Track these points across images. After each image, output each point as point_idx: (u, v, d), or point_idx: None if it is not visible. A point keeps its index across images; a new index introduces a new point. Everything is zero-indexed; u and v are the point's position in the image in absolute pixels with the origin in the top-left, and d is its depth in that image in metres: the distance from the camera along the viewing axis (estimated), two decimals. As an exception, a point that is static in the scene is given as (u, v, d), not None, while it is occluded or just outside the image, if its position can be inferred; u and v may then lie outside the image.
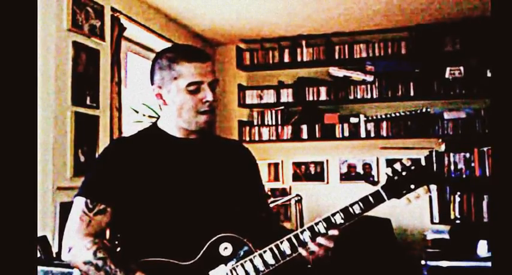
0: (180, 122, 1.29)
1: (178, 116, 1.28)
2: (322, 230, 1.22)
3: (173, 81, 1.25)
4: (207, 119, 1.28)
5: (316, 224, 1.22)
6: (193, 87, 1.24)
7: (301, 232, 1.22)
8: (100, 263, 1.16)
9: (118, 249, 1.33)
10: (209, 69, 1.27)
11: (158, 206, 1.24)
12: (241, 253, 1.23)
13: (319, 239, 1.21)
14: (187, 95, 1.25)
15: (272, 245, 1.22)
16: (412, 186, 1.27)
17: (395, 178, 1.27)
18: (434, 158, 3.61)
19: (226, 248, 1.22)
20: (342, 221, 1.23)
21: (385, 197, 1.25)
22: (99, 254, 1.17)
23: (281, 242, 1.22)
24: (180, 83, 1.24)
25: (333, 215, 1.23)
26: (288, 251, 1.21)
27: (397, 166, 1.28)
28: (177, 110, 1.27)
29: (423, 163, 1.17)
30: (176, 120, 1.29)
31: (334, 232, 1.22)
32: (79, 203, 1.23)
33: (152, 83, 1.31)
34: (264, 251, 1.21)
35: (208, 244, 1.22)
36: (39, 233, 2.11)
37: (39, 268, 1.93)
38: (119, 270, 1.15)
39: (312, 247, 1.22)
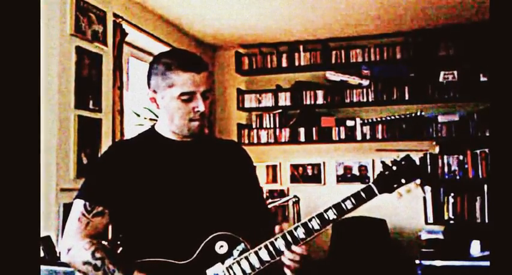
0: (172, 127, 1.31)
1: (170, 122, 1.30)
2: (316, 227, 1.23)
3: (167, 88, 1.26)
4: (198, 126, 1.29)
5: (310, 220, 1.23)
6: (186, 97, 1.25)
7: (295, 229, 1.23)
8: (98, 263, 1.18)
9: (120, 249, 1.35)
10: (204, 79, 1.26)
11: (155, 207, 1.26)
12: (237, 251, 1.23)
13: (293, 255, 1.22)
14: (180, 103, 1.26)
15: (267, 242, 1.22)
16: (403, 180, 1.27)
17: (386, 172, 1.28)
18: (428, 160, 3.68)
19: (222, 246, 1.23)
20: (335, 217, 1.23)
21: (376, 192, 1.25)
22: (98, 255, 1.19)
23: (276, 239, 1.22)
24: (174, 92, 1.25)
25: (326, 211, 1.24)
26: (283, 248, 1.22)
27: (388, 162, 1.29)
28: (169, 116, 1.29)
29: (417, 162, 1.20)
30: (169, 125, 1.31)
31: (301, 250, 1.22)
32: (78, 206, 1.25)
33: (148, 87, 1.33)
34: (259, 249, 1.22)
35: (204, 242, 1.23)
36: (43, 233, 2.14)
37: (43, 267, 1.97)
38: (116, 270, 1.17)
39: (286, 261, 1.22)
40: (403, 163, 1.28)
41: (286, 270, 1.25)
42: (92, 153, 2.55)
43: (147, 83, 1.33)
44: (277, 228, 1.25)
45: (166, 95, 1.27)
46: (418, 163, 1.33)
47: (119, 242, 1.38)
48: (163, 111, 1.31)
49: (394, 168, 1.28)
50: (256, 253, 1.22)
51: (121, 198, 1.25)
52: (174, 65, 1.26)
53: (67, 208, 2.24)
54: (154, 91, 1.30)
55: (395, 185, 1.27)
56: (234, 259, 1.23)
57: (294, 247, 1.22)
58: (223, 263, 1.23)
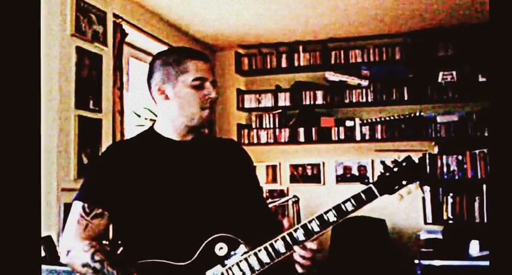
0: (180, 118, 1.30)
1: (180, 111, 1.29)
2: (316, 228, 1.22)
3: (179, 76, 1.28)
4: (208, 114, 1.31)
5: (310, 222, 1.23)
6: (198, 83, 1.28)
7: (295, 230, 1.23)
8: (97, 265, 1.18)
9: (120, 250, 1.35)
10: (210, 69, 1.33)
11: (154, 208, 1.25)
12: (237, 252, 1.23)
13: (303, 252, 1.21)
14: (192, 90, 1.28)
15: (267, 244, 1.22)
16: (404, 182, 1.26)
17: (387, 174, 1.27)
18: (427, 160, 3.69)
19: (221, 248, 1.23)
20: (335, 219, 1.22)
21: (377, 194, 1.24)
22: (97, 257, 1.19)
23: (275, 241, 1.22)
24: (187, 77, 1.27)
25: (326, 212, 1.23)
26: (283, 250, 1.21)
27: (389, 163, 1.28)
28: (180, 105, 1.29)
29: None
30: (177, 115, 1.30)
31: (312, 246, 1.22)
32: (77, 207, 1.24)
33: (150, 80, 1.33)
34: (259, 250, 1.22)
35: (204, 244, 1.23)
36: (44, 233, 2.14)
37: (44, 266, 1.96)
38: (116, 272, 1.17)
39: (298, 258, 1.23)
40: (403, 164, 1.27)
41: (298, 267, 1.25)
42: (92, 153, 2.56)
43: (150, 77, 1.33)
44: (285, 221, 1.25)
45: (179, 82, 1.29)
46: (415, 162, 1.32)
47: (119, 242, 1.38)
48: (172, 101, 1.30)
49: (395, 169, 1.27)
50: (255, 254, 1.22)
51: (120, 199, 1.25)
52: (185, 55, 1.32)
53: (68, 208, 2.23)
54: (163, 82, 1.30)
55: (396, 187, 1.26)
56: (234, 260, 1.23)
57: (305, 243, 1.22)
58: (222, 265, 1.23)
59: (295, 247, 1.22)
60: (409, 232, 3.83)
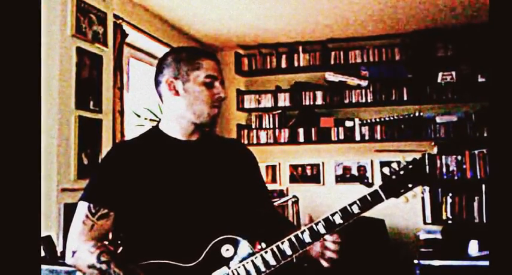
0: (188, 115, 1.30)
1: (189, 107, 1.29)
2: (322, 230, 1.21)
3: (193, 72, 1.28)
4: (216, 113, 1.31)
5: (316, 224, 1.22)
6: (209, 80, 1.29)
7: (302, 232, 1.22)
8: (104, 266, 1.17)
9: (120, 249, 1.35)
10: (219, 69, 1.34)
11: (160, 209, 1.25)
12: (243, 254, 1.22)
13: (328, 244, 1.23)
14: (203, 87, 1.28)
15: (273, 246, 1.21)
16: (410, 185, 1.25)
17: (393, 177, 1.25)
18: (427, 161, 3.70)
19: (228, 249, 1.23)
20: (341, 221, 1.21)
21: (384, 197, 1.23)
22: (103, 258, 1.18)
23: (282, 243, 1.21)
24: (200, 74, 1.28)
25: (332, 215, 1.22)
26: (289, 252, 1.21)
27: (395, 165, 1.26)
28: (190, 101, 1.29)
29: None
30: (185, 112, 1.30)
31: (337, 239, 1.23)
32: (82, 208, 1.24)
33: (160, 76, 1.32)
34: (265, 252, 1.21)
35: (210, 245, 1.22)
36: (44, 233, 2.14)
37: (44, 266, 1.97)
38: (122, 273, 1.16)
39: (324, 252, 1.23)
40: (410, 166, 1.26)
41: (322, 261, 1.26)
42: (92, 153, 2.57)
43: (160, 73, 1.33)
44: (307, 217, 1.25)
45: (190, 79, 1.29)
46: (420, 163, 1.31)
47: (119, 242, 1.38)
48: (182, 97, 1.30)
49: (402, 172, 1.26)
50: (262, 256, 1.22)
51: (126, 200, 1.24)
52: (198, 53, 1.34)
53: (68, 208, 2.26)
54: (175, 77, 1.30)
55: (402, 190, 1.25)
56: (240, 262, 1.22)
57: (326, 236, 1.23)
58: (228, 266, 1.22)
59: (323, 240, 1.22)
60: (408, 232, 3.84)
